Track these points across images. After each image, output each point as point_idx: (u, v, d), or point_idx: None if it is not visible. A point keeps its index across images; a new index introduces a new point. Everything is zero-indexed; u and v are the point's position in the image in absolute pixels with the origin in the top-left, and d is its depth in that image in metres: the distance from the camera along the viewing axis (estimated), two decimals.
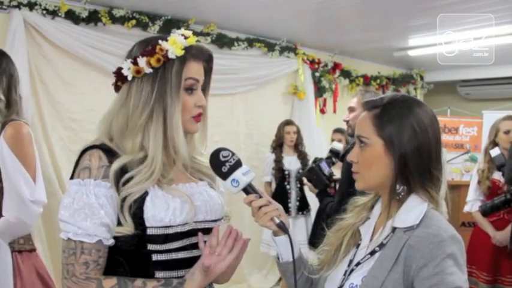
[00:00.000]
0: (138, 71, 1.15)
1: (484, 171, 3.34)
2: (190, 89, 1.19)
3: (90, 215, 1.07)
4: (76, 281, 1.07)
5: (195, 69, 1.20)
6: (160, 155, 1.14)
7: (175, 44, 1.16)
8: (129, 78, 1.16)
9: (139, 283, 1.08)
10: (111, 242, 1.10)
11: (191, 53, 1.19)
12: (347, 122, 2.63)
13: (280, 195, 4.36)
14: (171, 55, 1.15)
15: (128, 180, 1.10)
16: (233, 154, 1.18)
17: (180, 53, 1.16)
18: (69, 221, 1.08)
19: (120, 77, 1.19)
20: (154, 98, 1.14)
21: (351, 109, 2.61)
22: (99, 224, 1.07)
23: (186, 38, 1.19)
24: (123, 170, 1.11)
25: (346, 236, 1.22)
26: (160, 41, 1.16)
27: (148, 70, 1.15)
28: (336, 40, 5.13)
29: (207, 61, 1.27)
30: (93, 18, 3.78)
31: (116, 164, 1.10)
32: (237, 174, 1.15)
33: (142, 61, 1.15)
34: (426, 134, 1.10)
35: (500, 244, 3.23)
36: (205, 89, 1.29)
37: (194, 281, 1.10)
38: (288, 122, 4.59)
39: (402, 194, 1.12)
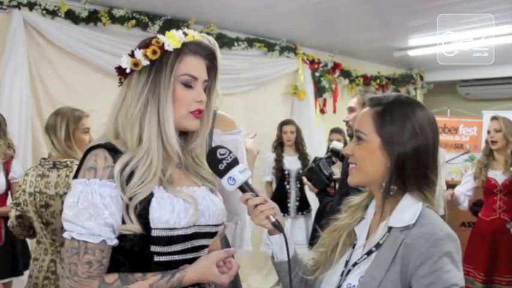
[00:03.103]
0: (135, 64, 1.16)
1: (481, 168, 3.38)
2: (187, 85, 1.19)
3: (95, 215, 1.07)
4: (78, 280, 1.07)
5: (192, 65, 1.20)
6: (155, 144, 1.14)
7: (172, 37, 1.17)
8: (128, 70, 1.18)
9: (139, 275, 1.10)
10: (115, 242, 1.10)
11: (189, 47, 1.19)
12: (347, 122, 2.62)
13: (280, 195, 4.37)
14: (167, 47, 1.16)
15: (130, 176, 1.11)
16: (230, 152, 1.18)
17: (177, 45, 1.16)
18: (73, 221, 1.07)
19: (120, 72, 1.20)
20: (148, 88, 1.16)
21: (351, 109, 2.59)
22: (104, 224, 1.07)
23: (186, 35, 1.20)
24: (125, 167, 1.11)
25: (342, 236, 1.22)
26: (158, 35, 1.18)
27: (146, 62, 1.16)
28: (336, 40, 5.14)
29: (210, 59, 1.26)
30: (93, 18, 3.79)
31: (119, 164, 1.11)
32: (234, 172, 1.15)
33: (139, 53, 1.16)
34: (426, 137, 1.11)
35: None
36: (210, 89, 1.28)
37: (197, 269, 1.13)
38: (285, 122, 4.60)
39: (392, 193, 1.12)
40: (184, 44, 1.18)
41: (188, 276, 1.11)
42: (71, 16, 3.69)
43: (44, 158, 2.31)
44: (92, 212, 1.07)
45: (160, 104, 1.15)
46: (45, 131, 2.31)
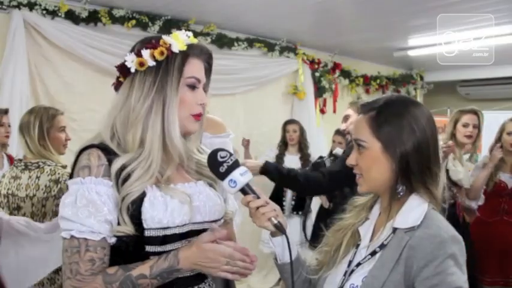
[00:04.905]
0: (141, 64, 1.16)
1: (496, 170, 3.30)
2: (192, 87, 1.20)
3: (94, 212, 1.05)
4: (81, 278, 1.05)
5: (196, 68, 1.21)
6: (157, 147, 1.14)
7: (178, 40, 1.17)
8: (132, 70, 1.17)
9: (137, 263, 1.08)
10: (113, 240, 1.09)
11: (193, 50, 1.20)
12: (343, 130, 2.63)
13: (276, 193, 4.37)
14: (174, 49, 1.16)
15: (127, 178, 1.10)
16: (231, 155, 1.17)
17: (183, 47, 1.17)
18: (72, 219, 1.05)
19: (123, 70, 1.19)
20: (155, 90, 1.15)
21: (346, 117, 2.61)
22: (104, 221, 1.06)
23: (188, 37, 1.21)
24: (122, 169, 1.11)
25: (346, 236, 1.22)
26: (163, 36, 1.18)
27: (152, 63, 1.16)
28: (336, 40, 5.13)
29: (207, 61, 1.28)
30: (93, 18, 3.78)
31: (117, 164, 1.10)
32: (235, 174, 1.14)
33: (146, 53, 1.16)
34: (424, 131, 1.11)
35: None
36: (205, 88, 1.28)
37: (188, 250, 1.08)
38: (289, 121, 4.61)
39: (401, 193, 1.12)
40: (188, 47, 1.18)
41: (182, 251, 1.07)
42: (71, 16, 3.68)
43: (19, 159, 2.24)
44: (91, 210, 1.05)
45: (165, 106, 1.14)
46: (19, 131, 2.23)
